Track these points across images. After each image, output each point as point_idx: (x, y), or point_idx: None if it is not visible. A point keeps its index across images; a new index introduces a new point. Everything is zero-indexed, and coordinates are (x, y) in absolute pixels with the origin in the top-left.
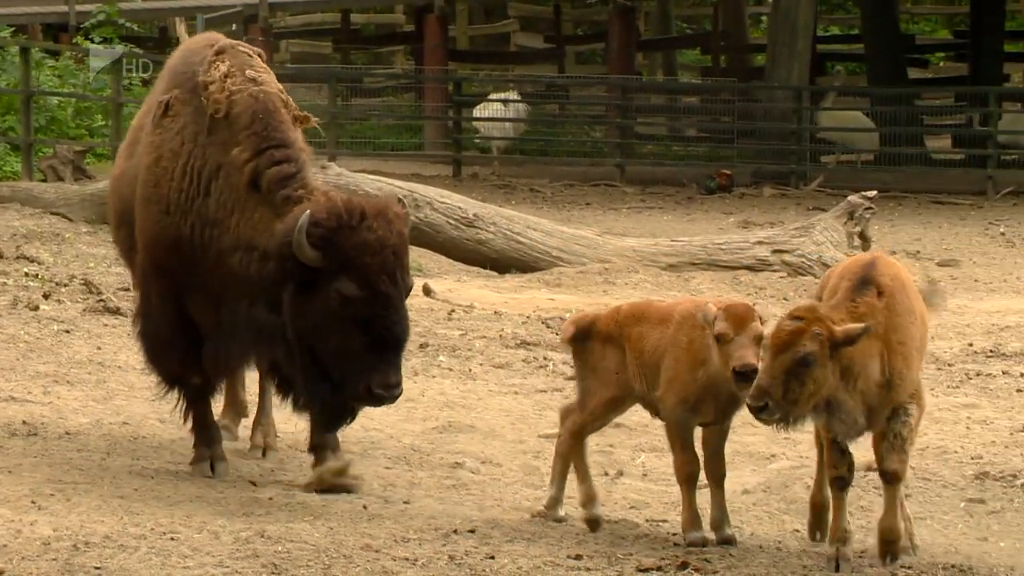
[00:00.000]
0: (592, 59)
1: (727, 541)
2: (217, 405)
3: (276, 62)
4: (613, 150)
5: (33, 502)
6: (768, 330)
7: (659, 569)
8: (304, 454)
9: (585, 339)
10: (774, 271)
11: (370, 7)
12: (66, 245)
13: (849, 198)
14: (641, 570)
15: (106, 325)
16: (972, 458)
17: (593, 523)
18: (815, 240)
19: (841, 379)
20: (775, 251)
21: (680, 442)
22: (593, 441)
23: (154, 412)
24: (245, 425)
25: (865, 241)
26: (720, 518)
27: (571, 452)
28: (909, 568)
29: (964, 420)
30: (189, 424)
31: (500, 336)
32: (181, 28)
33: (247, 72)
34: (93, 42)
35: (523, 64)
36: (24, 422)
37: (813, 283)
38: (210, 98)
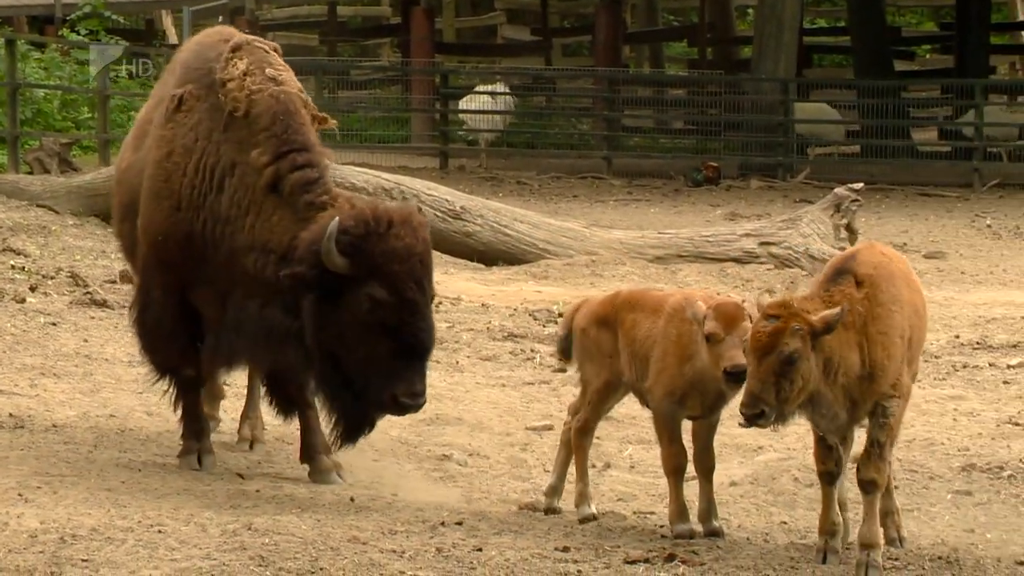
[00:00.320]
0: (579, 51)
1: (714, 533)
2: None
3: None
4: (600, 142)
5: (20, 495)
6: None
7: (646, 561)
8: (291, 446)
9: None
10: (761, 263)
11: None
12: (52, 238)
13: (836, 190)
14: (628, 562)
15: (93, 318)
16: (959, 450)
17: (584, 523)
18: (802, 232)
19: (823, 372)
20: (762, 243)
21: (668, 434)
22: None
23: (141, 405)
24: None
25: (852, 233)
26: (707, 510)
27: (576, 446)
28: (896, 560)
29: (951, 412)
30: (179, 413)
31: (487, 328)
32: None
33: (267, 71)
34: (79, 34)
35: (510, 56)
36: (11, 415)
37: (800, 275)
38: (228, 96)
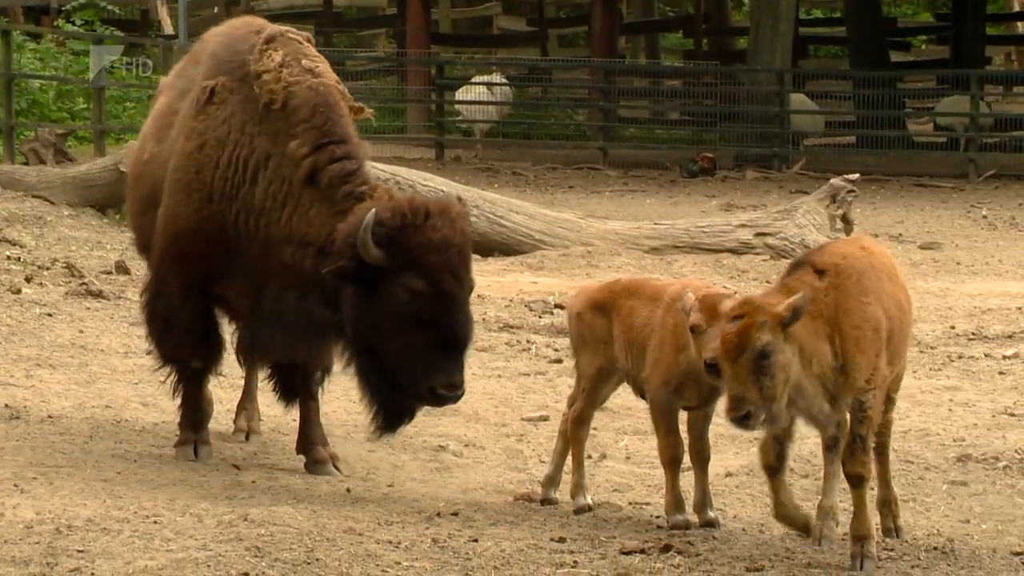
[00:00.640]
0: (575, 42)
1: (710, 524)
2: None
3: None
4: (596, 133)
5: (16, 485)
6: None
7: (642, 552)
8: (287, 437)
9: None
10: (757, 254)
11: None
12: (48, 228)
13: (831, 181)
14: (624, 553)
15: (88, 308)
16: (954, 440)
17: (579, 513)
18: (797, 223)
19: (801, 361)
20: (758, 234)
21: (664, 425)
22: None
23: (137, 395)
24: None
25: (848, 224)
26: (703, 501)
27: (572, 437)
28: (892, 550)
29: (946, 403)
30: (178, 402)
31: (483, 319)
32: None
33: (303, 62)
34: (74, 25)
35: (506, 47)
36: (6, 405)
37: None
38: (263, 88)
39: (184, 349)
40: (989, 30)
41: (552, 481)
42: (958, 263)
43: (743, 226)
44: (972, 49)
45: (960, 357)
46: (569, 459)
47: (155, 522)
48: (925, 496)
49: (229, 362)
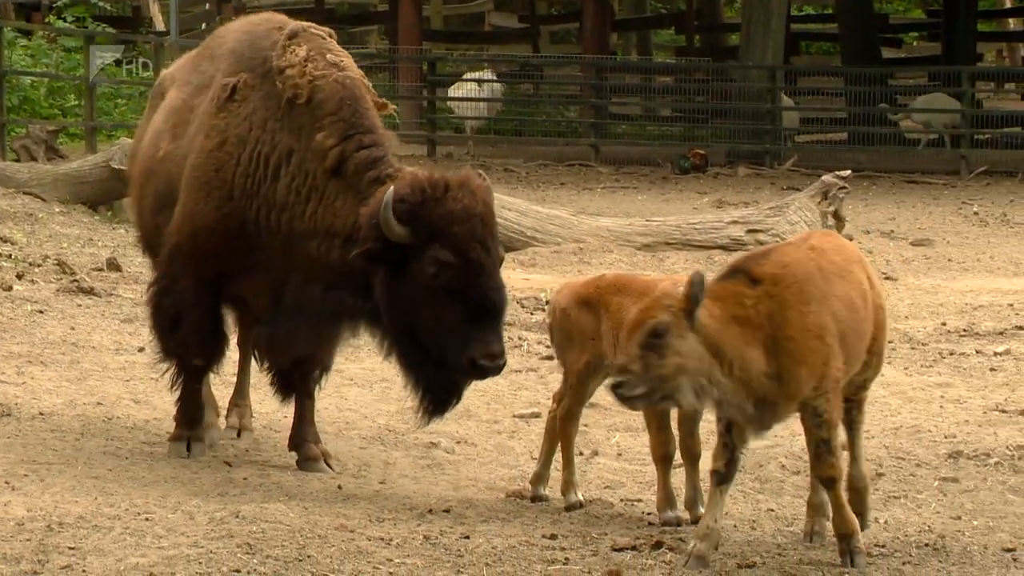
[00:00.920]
0: (566, 39)
1: None
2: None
3: None
4: (587, 130)
5: (7, 483)
6: None
7: (634, 548)
8: (278, 434)
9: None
10: (748, 251)
11: None
12: (39, 225)
13: (823, 177)
14: (616, 549)
15: (80, 305)
16: (946, 437)
17: (570, 510)
18: (789, 220)
19: (715, 358)
20: (749, 231)
21: (656, 422)
22: None
23: (128, 392)
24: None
25: (839, 220)
26: (694, 498)
27: (561, 435)
28: (883, 547)
29: (938, 399)
30: (176, 397)
31: None
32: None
33: (328, 56)
34: (65, 21)
35: (497, 44)
36: None
37: None
38: (287, 83)
39: (189, 347)
40: (980, 26)
41: (540, 479)
42: (949, 260)
43: (735, 223)
44: (963, 45)
45: (951, 354)
46: (559, 456)
47: (146, 519)
48: (916, 493)
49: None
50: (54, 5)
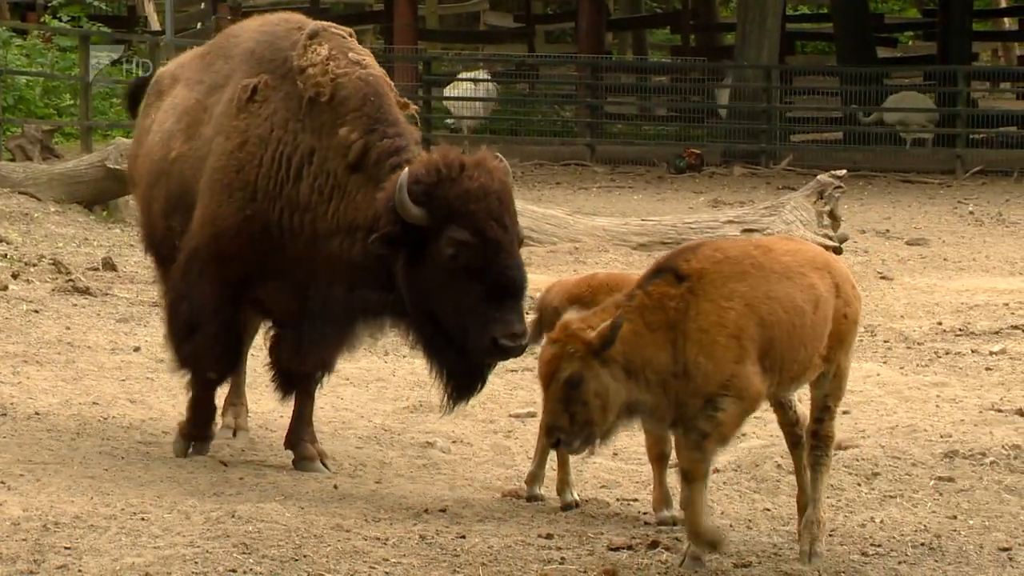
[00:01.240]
0: (562, 38)
1: None
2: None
3: None
4: (583, 129)
5: (3, 482)
6: None
7: (630, 548)
8: (274, 434)
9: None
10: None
11: None
12: (35, 225)
13: (819, 177)
14: (612, 549)
15: (75, 305)
16: (941, 436)
17: (566, 510)
18: (785, 219)
19: (630, 379)
20: (745, 230)
21: None
22: None
23: (124, 392)
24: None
25: (835, 220)
26: None
27: None
28: (879, 546)
29: (933, 399)
30: (189, 398)
31: None
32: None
33: (349, 55)
34: (60, 21)
35: (493, 43)
36: None
37: None
38: (308, 82)
39: (204, 359)
40: (976, 26)
41: (535, 478)
42: (945, 259)
43: (730, 222)
44: (959, 45)
45: (947, 353)
46: (553, 455)
47: (142, 519)
48: (912, 492)
49: None
50: (49, 4)
